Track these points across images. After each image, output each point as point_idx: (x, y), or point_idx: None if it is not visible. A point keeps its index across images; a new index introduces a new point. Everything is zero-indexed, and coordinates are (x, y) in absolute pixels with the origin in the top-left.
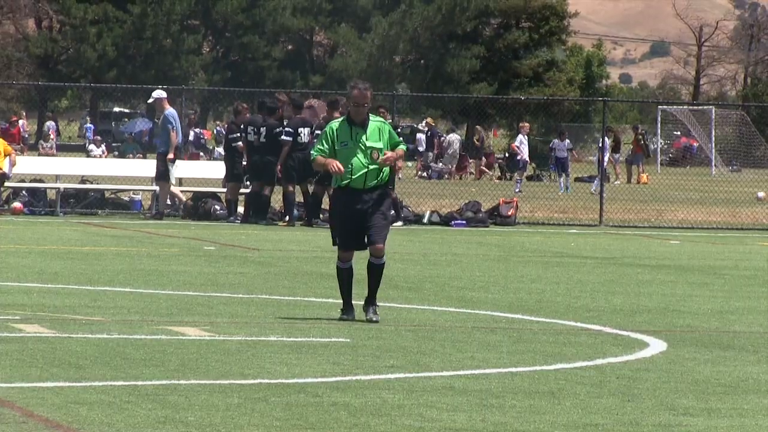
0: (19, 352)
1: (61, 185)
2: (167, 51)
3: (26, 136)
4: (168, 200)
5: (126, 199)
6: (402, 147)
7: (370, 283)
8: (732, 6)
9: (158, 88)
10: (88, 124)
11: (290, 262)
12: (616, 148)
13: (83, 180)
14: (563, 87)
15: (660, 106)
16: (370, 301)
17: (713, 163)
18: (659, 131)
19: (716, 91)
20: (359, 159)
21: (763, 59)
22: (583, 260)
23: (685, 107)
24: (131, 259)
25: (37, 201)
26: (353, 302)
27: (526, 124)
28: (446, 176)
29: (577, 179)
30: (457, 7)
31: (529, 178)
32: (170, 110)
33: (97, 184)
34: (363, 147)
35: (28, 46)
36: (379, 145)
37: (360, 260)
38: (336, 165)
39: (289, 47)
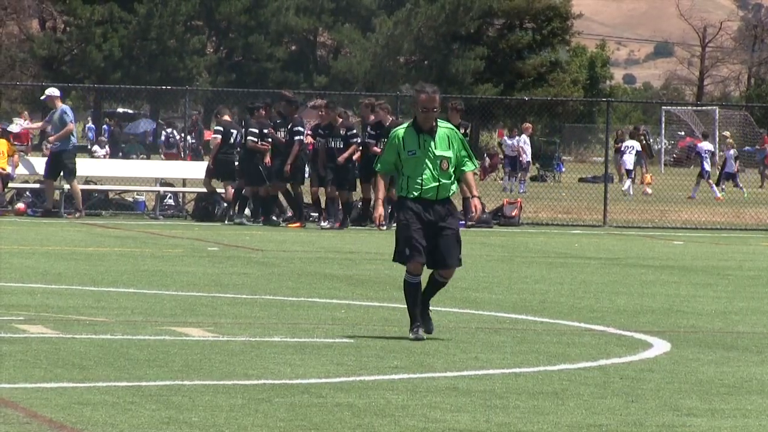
0: (23, 352)
1: (66, 186)
2: (171, 52)
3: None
4: (171, 201)
5: (130, 199)
6: (470, 167)
7: (426, 293)
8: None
9: (52, 86)
10: (90, 125)
11: (294, 263)
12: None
13: (87, 181)
14: (567, 88)
15: (664, 107)
16: (424, 312)
17: (717, 164)
18: (663, 132)
19: (720, 91)
20: (429, 169)
21: (767, 60)
22: (586, 261)
23: (688, 108)
24: (135, 259)
25: (41, 202)
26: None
27: (529, 125)
28: None
29: (581, 180)
30: (461, 8)
31: (533, 179)
32: (64, 106)
33: (101, 184)
34: (432, 156)
35: (33, 46)
36: (449, 154)
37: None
38: (378, 219)
39: (293, 48)
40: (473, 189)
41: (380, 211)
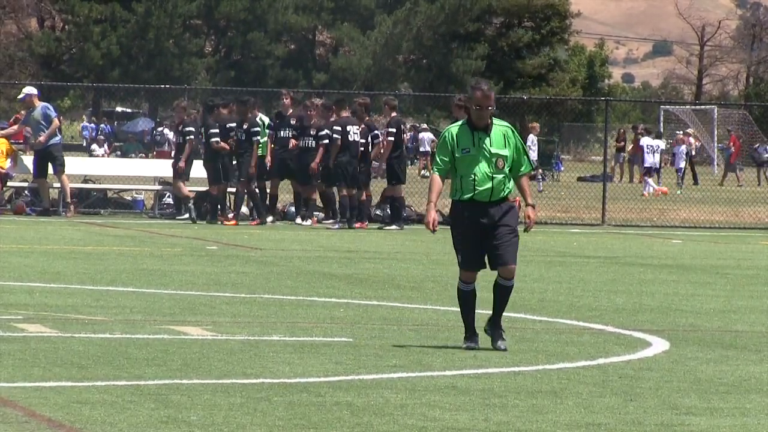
0: (22, 351)
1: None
2: (170, 50)
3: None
4: (171, 199)
5: (128, 198)
6: (525, 169)
7: (496, 305)
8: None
9: (30, 84)
10: (84, 123)
11: (292, 262)
12: (621, 148)
13: (86, 179)
14: (566, 87)
15: (662, 106)
16: (495, 324)
17: (715, 163)
18: (662, 130)
19: (719, 90)
20: (483, 168)
21: (766, 59)
22: (585, 259)
23: (687, 107)
24: (134, 258)
25: (40, 201)
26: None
27: (536, 125)
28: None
29: (579, 179)
30: (461, 7)
31: (532, 178)
32: (44, 104)
33: (100, 183)
34: (487, 154)
35: (31, 45)
36: (505, 152)
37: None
38: (431, 223)
39: (292, 46)
40: (528, 197)
41: (432, 215)
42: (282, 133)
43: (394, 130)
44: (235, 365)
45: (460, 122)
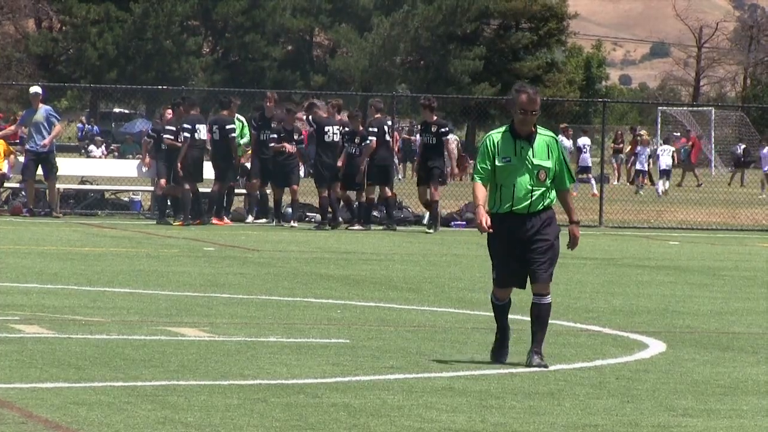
0: (19, 352)
1: (61, 186)
2: (167, 51)
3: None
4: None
5: (126, 199)
6: (567, 183)
7: (534, 328)
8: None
9: (36, 85)
10: (79, 124)
11: (290, 263)
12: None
13: (83, 180)
14: (563, 88)
15: (660, 108)
16: (535, 348)
17: (713, 164)
18: (659, 132)
19: (716, 92)
20: (524, 179)
21: (763, 60)
22: (582, 261)
23: (684, 108)
24: (131, 259)
25: (37, 202)
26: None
27: (566, 126)
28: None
29: (577, 180)
30: (458, 8)
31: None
32: (47, 107)
33: (97, 184)
34: (529, 165)
35: (28, 45)
36: (548, 164)
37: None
38: (483, 224)
39: (289, 48)
40: (572, 213)
41: (484, 216)
42: (263, 135)
43: (376, 129)
44: (233, 366)
45: (503, 128)
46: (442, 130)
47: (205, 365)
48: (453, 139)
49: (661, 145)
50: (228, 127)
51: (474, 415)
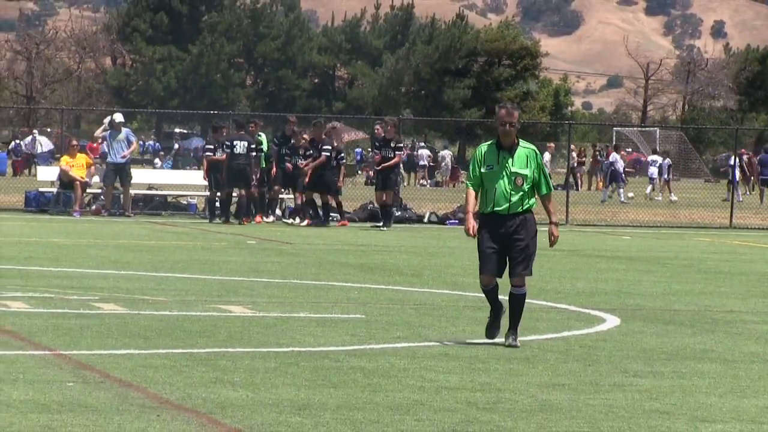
0: (98, 325)
1: (132, 191)
2: (218, 83)
3: (105, 151)
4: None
5: (184, 203)
6: (544, 191)
7: (512, 313)
8: (673, 47)
9: (119, 111)
10: (150, 142)
11: (316, 254)
12: (581, 163)
13: (150, 187)
14: (537, 113)
15: (615, 128)
16: (512, 330)
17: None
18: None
19: (660, 115)
20: (503, 185)
21: (698, 90)
22: (552, 252)
23: (635, 129)
24: (188, 251)
25: (113, 205)
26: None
27: (552, 145)
28: (442, 185)
29: None
30: (452, 48)
31: None
32: (128, 129)
33: (161, 190)
34: (508, 172)
35: (106, 79)
36: (525, 172)
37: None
38: (470, 231)
39: (316, 80)
40: (552, 215)
41: (471, 223)
42: (284, 150)
43: (401, 144)
44: (270, 337)
45: (490, 141)
46: (399, 145)
47: (248, 336)
48: (447, 154)
49: (650, 155)
50: (251, 144)
51: (465, 376)
